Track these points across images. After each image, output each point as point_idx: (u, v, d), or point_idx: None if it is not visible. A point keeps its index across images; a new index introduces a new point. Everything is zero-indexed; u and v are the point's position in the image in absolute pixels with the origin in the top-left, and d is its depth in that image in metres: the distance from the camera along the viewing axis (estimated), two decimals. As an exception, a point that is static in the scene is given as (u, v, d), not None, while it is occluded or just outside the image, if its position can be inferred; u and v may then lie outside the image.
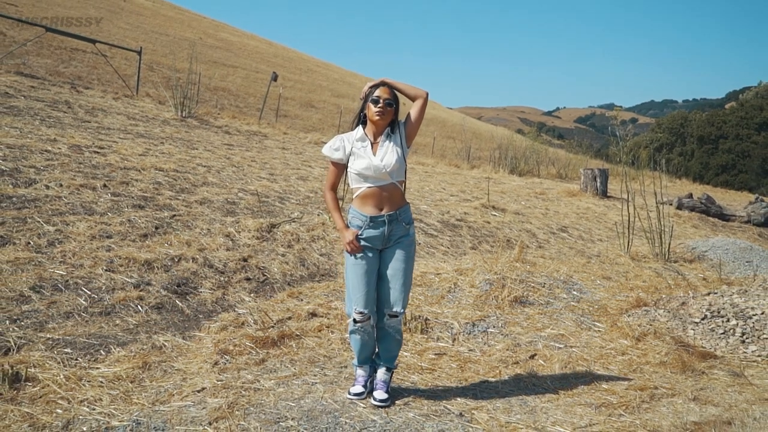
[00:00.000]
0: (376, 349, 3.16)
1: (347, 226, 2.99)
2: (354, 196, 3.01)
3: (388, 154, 2.94)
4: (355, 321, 2.94)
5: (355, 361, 3.14)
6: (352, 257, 2.97)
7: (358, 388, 3.05)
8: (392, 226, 2.98)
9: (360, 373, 3.13)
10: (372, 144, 2.98)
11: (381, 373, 3.09)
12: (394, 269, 2.99)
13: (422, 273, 5.46)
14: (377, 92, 2.94)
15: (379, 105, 2.91)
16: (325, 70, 41.67)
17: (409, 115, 3.07)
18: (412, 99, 3.06)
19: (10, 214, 4.79)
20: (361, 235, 2.95)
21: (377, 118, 2.92)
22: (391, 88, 2.99)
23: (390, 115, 2.97)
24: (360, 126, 3.03)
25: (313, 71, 38.05)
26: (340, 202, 3.69)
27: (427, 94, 3.05)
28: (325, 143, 3.09)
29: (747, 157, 32.07)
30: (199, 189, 6.87)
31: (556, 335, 4.28)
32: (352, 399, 3.02)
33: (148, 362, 3.37)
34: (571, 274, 5.78)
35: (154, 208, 5.87)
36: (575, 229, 9.68)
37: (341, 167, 3.03)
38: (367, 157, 2.93)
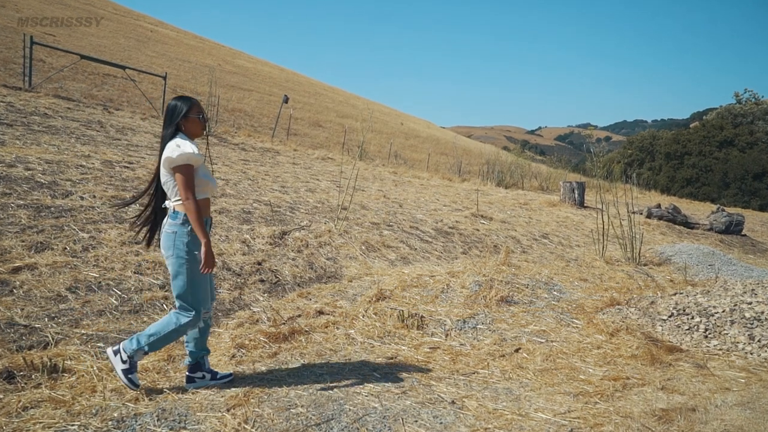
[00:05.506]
0: None
1: None
2: None
3: None
4: None
5: None
6: None
7: None
8: None
9: None
10: None
11: None
12: None
13: (418, 275, 5.47)
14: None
15: None
16: (331, 94, 41.80)
17: None
18: None
19: (48, 223, 4.81)
20: None
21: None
22: None
23: None
24: None
25: (321, 94, 38.18)
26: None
27: None
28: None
29: (709, 171, 32.12)
30: (218, 200, 6.89)
31: (538, 331, 4.29)
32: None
33: (172, 355, 3.38)
34: (551, 276, 5.79)
35: (178, 216, 5.88)
36: (555, 236, 9.69)
37: None
38: None
